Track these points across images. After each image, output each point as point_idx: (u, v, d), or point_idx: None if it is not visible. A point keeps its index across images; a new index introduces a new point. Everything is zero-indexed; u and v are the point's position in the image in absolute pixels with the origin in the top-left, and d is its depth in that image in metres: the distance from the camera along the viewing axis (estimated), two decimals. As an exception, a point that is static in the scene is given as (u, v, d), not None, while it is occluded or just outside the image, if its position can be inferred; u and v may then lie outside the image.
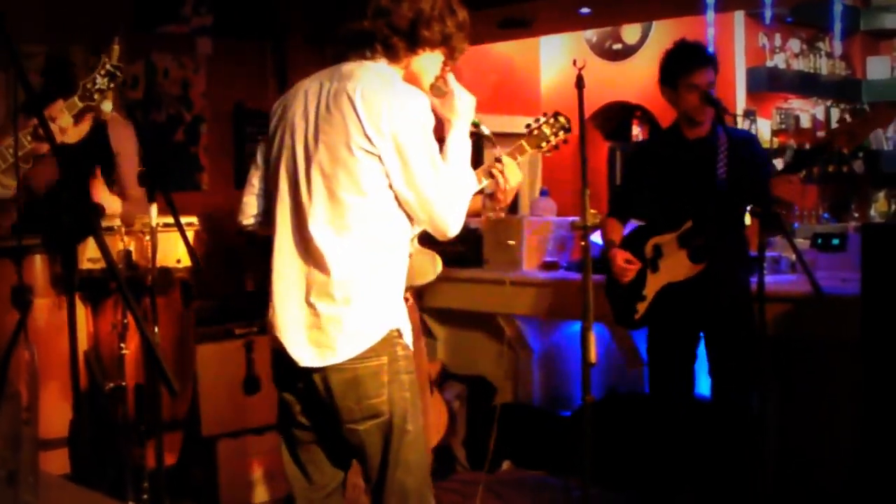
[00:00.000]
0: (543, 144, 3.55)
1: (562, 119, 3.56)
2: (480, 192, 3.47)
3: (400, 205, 2.84)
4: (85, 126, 4.22)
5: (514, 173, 3.27)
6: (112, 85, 3.67)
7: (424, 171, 2.78)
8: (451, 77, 3.05)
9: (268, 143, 3.03)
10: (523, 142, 3.51)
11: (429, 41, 2.93)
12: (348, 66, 2.90)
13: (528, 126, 3.55)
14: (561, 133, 3.57)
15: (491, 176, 3.35)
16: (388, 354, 2.83)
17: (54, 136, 3.01)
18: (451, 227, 2.88)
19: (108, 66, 3.65)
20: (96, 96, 3.67)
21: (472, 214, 3.87)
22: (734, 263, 4.38)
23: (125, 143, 4.32)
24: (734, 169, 4.29)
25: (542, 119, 3.56)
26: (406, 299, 3.70)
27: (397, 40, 2.90)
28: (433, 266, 3.65)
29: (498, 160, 3.35)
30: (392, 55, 2.92)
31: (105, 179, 4.25)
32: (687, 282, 4.34)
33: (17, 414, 1.71)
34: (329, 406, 2.85)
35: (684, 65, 4.33)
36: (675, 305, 4.41)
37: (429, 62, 2.98)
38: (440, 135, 2.96)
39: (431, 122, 2.83)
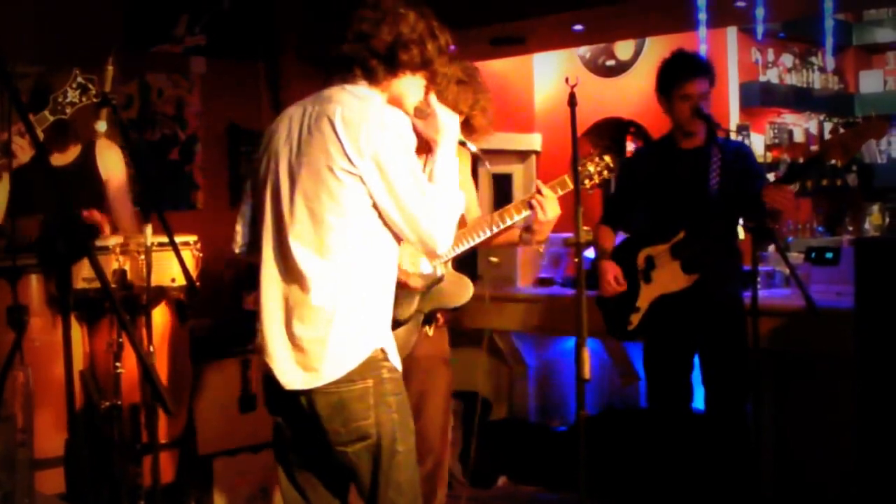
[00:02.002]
0: (586, 182, 3.62)
1: (607, 159, 3.67)
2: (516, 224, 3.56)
3: (385, 224, 2.84)
4: (74, 151, 4.20)
5: (553, 206, 3.36)
6: (84, 98, 3.62)
7: (408, 189, 2.78)
8: (433, 98, 3.04)
9: (254, 172, 3.05)
10: (566, 177, 3.58)
11: (408, 64, 2.94)
12: (329, 91, 2.91)
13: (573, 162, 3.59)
14: (605, 172, 3.67)
15: (530, 207, 3.41)
16: (373, 377, 2.82)
17: (42, 144, 3.00)
18: (440, 244, 2.86)
19: (78, 79, 3.61)
20: (68, 110, 3.64)
21: (507, 245, 3.95)
22: (728, 275, 4.39)
23: (114, 171, 4.27)
24: (727, 180, 4.30)
25: (588, 157, 3.64)
26: (437, 319, 3.75)
27: (376, 63, 2.90)
28: (465, 290, 3.71)
29: (538, 192, 3.41)
30: (371, 78, 2.92)
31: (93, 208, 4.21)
32: (681, 293, 4.35)
33: (11, 436, 1.72)
34: (317, 429, 2.85)
35: (677, 75, 4.36)
36: (669, 317, 4.41)
37: (410, 85, 2.99)
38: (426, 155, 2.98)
39: (412, 140, 2.84)
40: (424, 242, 2.86)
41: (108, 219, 4.11)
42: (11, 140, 3.61)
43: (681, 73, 4.35)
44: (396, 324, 3.03)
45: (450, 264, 3.65)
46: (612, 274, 4.49)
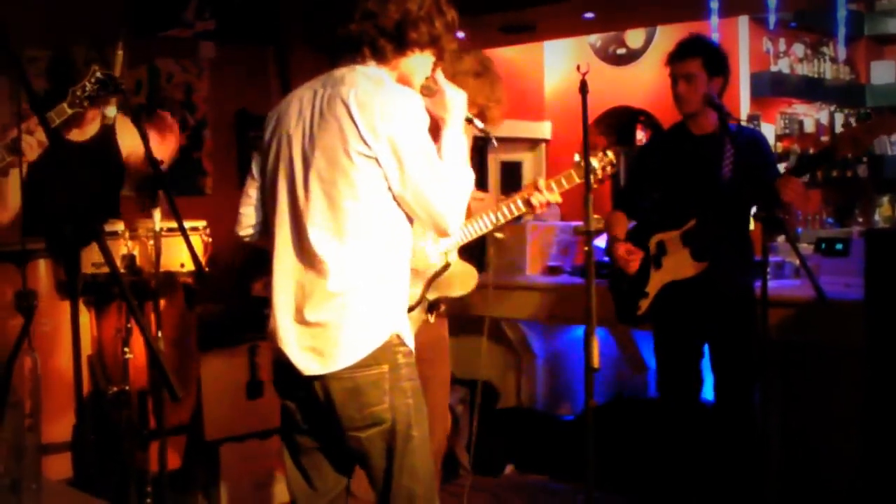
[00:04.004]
0: (591, 177, 3.65)
1: (610, 155, 3.73)
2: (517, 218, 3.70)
3: (399, 207, 2.83)
4: (91, 128, 4.17)
5: (555, 198, 3.57)
6: (102, 93, 3.62)
7: (421, 170, 2.76)
8: (440, 75, 3.03)
9: (262, 154, 3.02)
10: (573, 171, 3.63)
11: (417, 42, 2.91)
12: (340, 72, 2.88)
13: (578, 158, 3.66)
14: (608, 168, 3.73)
15: (529, 205, 3.48)
16: (388, 362, 2.82)
17: (60, 139, 2.99)
18: (451, 224, 2.86)
19: (97, 74, 3.59)
20: (86, 104, 3.63)
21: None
22: (738, 265, 4.37)
23: (139, 153, 4.17)
24: (740, 168, 4.28)
25: (592, 153, 3.69)
26: (438, 307, 3.75)
27: (384, 42, 2.88)
28: (470, 278, 3.73)
29: (538, 189, 3.47)
30: (380, 57, 2.89)
31: (110, 193, 4.20)
32: (690, 281, 4.34)
33: (20, 423, 1.72)
34: (330, 414, 2.85)
35: (670, 56, 4.44)
36: (677, 304, 4.40)
37: (419, 63, 2.96)
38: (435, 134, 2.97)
39: (426, 121, 2.82)
40: (436, 222, 2.85)
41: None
42: (21, 138, 3.61)
43: (672, 54, 4.43)
44: None
45: (455, 252, 3.66)
46: (624, 248, 4.48)
